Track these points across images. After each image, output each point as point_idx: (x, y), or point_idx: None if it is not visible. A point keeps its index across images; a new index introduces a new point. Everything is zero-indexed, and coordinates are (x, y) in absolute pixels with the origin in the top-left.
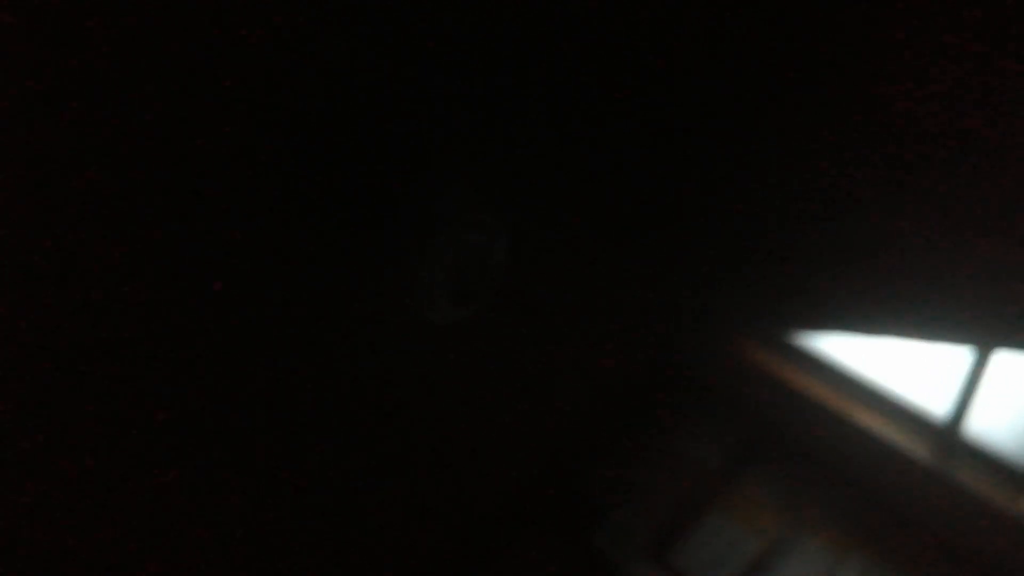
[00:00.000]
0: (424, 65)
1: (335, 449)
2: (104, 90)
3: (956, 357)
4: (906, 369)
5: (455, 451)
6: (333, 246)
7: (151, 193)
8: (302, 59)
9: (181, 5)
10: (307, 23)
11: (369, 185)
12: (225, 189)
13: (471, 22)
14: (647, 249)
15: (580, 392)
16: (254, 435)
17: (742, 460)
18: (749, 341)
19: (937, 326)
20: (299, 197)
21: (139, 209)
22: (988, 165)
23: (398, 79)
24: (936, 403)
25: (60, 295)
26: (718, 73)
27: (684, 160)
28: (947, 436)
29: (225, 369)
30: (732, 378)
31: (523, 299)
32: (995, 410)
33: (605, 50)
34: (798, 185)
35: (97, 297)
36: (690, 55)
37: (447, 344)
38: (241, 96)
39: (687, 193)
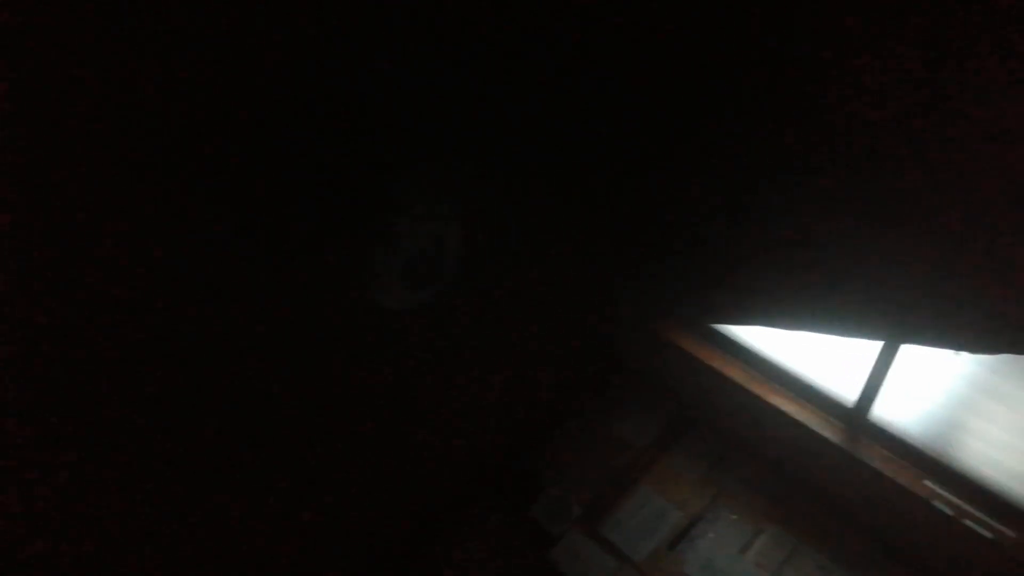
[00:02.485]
0: (381, 58)
1: (296, 431)
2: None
3: (867, 346)
4: (820, 355)
5: (406, 432)
6: (292, 234)
7: (111, 189)
8: (260, 50)
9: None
10: (264, 19)
11: (327, 175)
12: (180, 181)
13: (427, 17)
14: (586, 242)
15: (520, 375)
16: (213, 423)
17: (669, 438)
18: (675, 328)
19: (848, 321)
20: (258, 189)
21: (100, 205)
22: (899, 167)
23: (356, 72)
24: (847, 387)
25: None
26: (657, 79)
27: (620, 159)
28: (857, 419)
29: (184, 359)
30: (661, 363)
31: (472, 288)
32: (901, 395)
33: (555, 48)
34: (724, 184)
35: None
36: (636, 57)
37: (401, 329)
38: (200, 88)
39: (622, 189)
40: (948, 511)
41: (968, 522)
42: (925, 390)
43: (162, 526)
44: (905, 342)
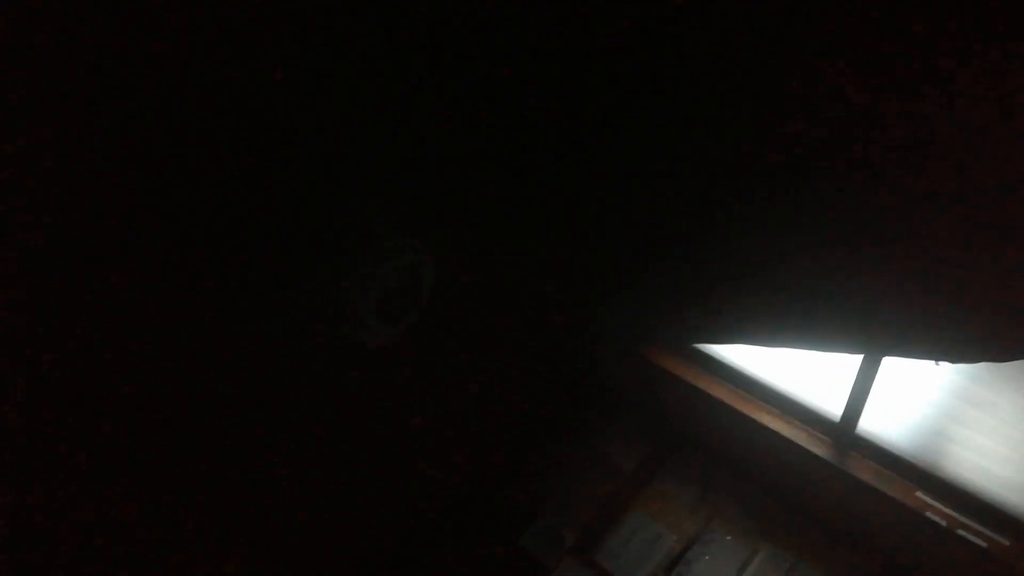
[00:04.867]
0: (356, 92)
1: (274, 463)
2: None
3: (849, 360)
4: (805, 371)
5: (390, 462)
6: (263, 268)
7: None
8: (231, 81)
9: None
10: (241, 48)
11: (298, 209)
12: (152, 211)
13: (401, 51)
14: (566, 267)
15: (506, 403)
16: (190, 453)
17: (658, 461)
18: (661, 350)
19: (828, 336)
20: (230, 224)
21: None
22: (870, 185)
23: (329, 106)
24: (833, 402)
25: None
26: (626, 111)
27: (598, 187)
28: (844, 433)
29: (155, 393)
30: (646, 385)
31: (450, 317)
32: (886, 408)
33: (524, 84)
34: (699, 208)
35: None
36: (601, 90)
37: (378, 361)
38: (174, 121)
39: (602, 217)
40: (941, 522)
41: (961, 532)
42: (909, 402)
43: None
44: (884, 355)
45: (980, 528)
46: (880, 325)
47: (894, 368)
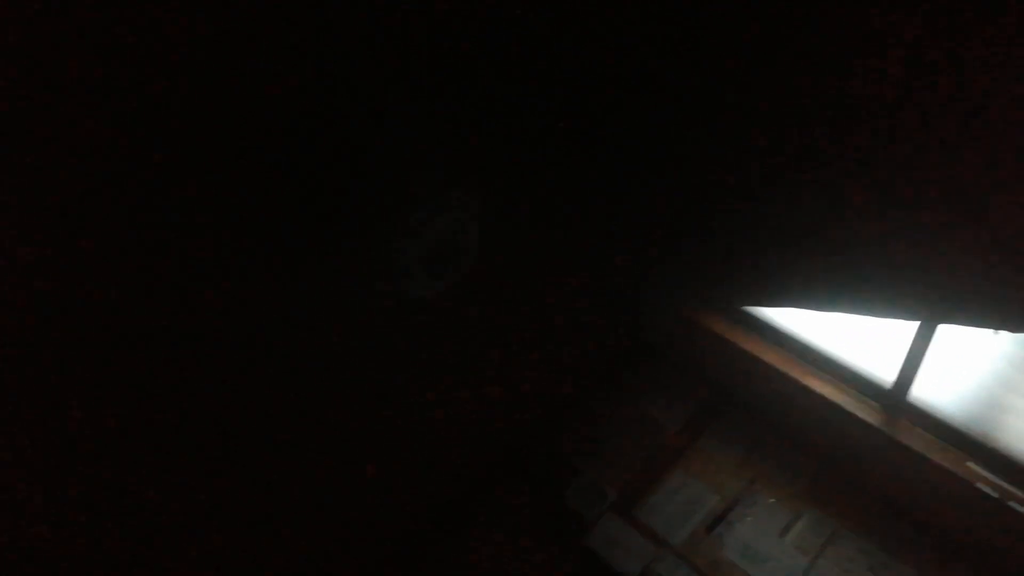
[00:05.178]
0: (400, 51)
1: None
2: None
3: (903, 326)
4: (856, 336)
5: (437, 418)
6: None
7: (137, 183)
8: (281, 44)
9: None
10: (287, 23)
11: (348, 165)
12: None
13: (445, 16)
14: (613, 228)
15: (551, 361)
16: (234, 412)
17: (702, 422)
18: (707, 312)
19: (883, 301)
20: (281, 181)
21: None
22: (929, 145)
23: (375, 65)
24: (884, 368)
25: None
26: (673, 72)
27: (645, 145)
28: (895, 400)
29: (203, 351)
30: (692, 346)
31: (496, 274)
32: (940, 376)
33: (567, 49)
34: (750, 168)
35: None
36: (645, 53)
37: (426, 317)
38: (219, 84)
39: (648, 175)
40: (992, 493)
41: (1013, 504)
42: (964, 370)
43: (175, 521)
44: (941, 322)
45: None
46: (938, 292)
47: (950, 334)
